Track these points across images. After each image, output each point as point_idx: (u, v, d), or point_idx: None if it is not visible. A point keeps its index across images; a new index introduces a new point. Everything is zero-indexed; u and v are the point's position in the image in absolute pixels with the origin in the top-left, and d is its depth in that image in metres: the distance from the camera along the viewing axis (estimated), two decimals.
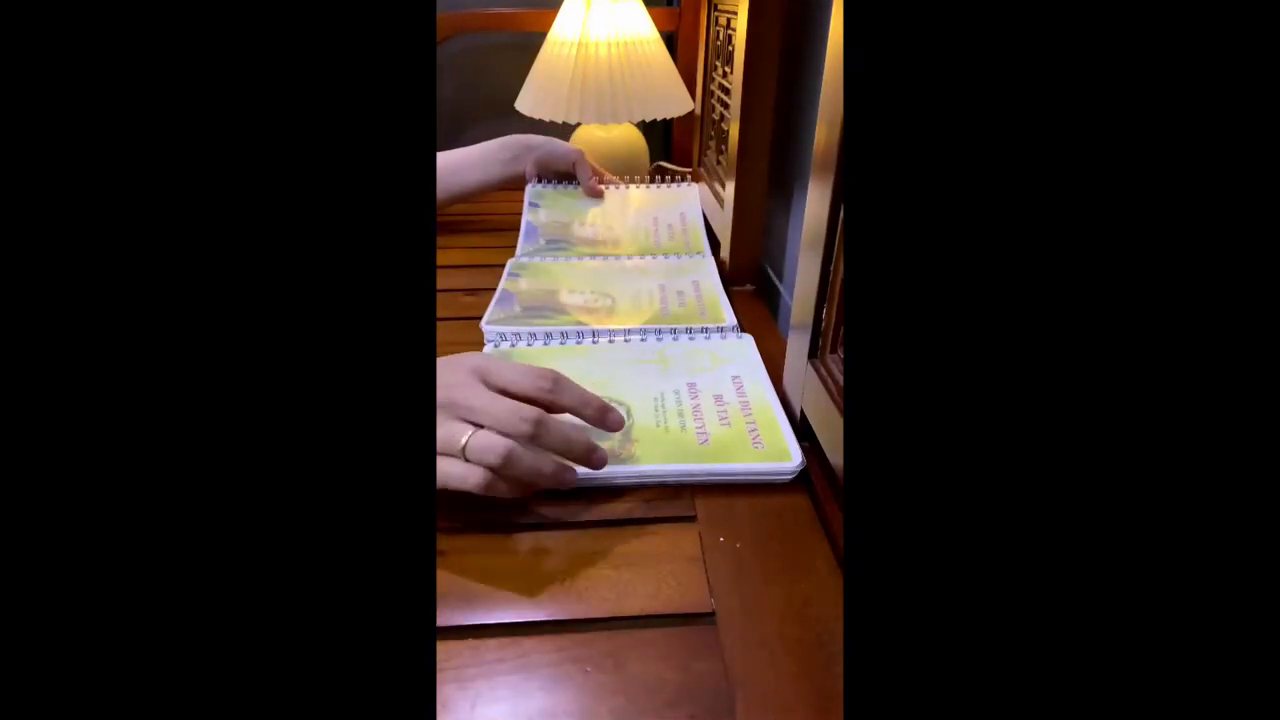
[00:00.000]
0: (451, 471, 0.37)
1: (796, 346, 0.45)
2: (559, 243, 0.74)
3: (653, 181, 0.84)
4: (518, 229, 0.80)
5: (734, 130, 0.66)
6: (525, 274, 0.69)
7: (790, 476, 0.43)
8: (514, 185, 0.83)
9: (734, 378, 0.52)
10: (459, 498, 0.42)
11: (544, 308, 0.62)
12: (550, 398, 0.40)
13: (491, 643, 0.33)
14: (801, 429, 0.45)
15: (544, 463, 0.39)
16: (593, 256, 0.72)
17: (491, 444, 0.37)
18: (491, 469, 0.37)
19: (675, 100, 0.83)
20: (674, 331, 0.59)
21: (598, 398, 0.42)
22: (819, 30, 0.66)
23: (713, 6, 0.81)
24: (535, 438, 0.38)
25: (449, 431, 0.37)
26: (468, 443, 0.37)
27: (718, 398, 0.49)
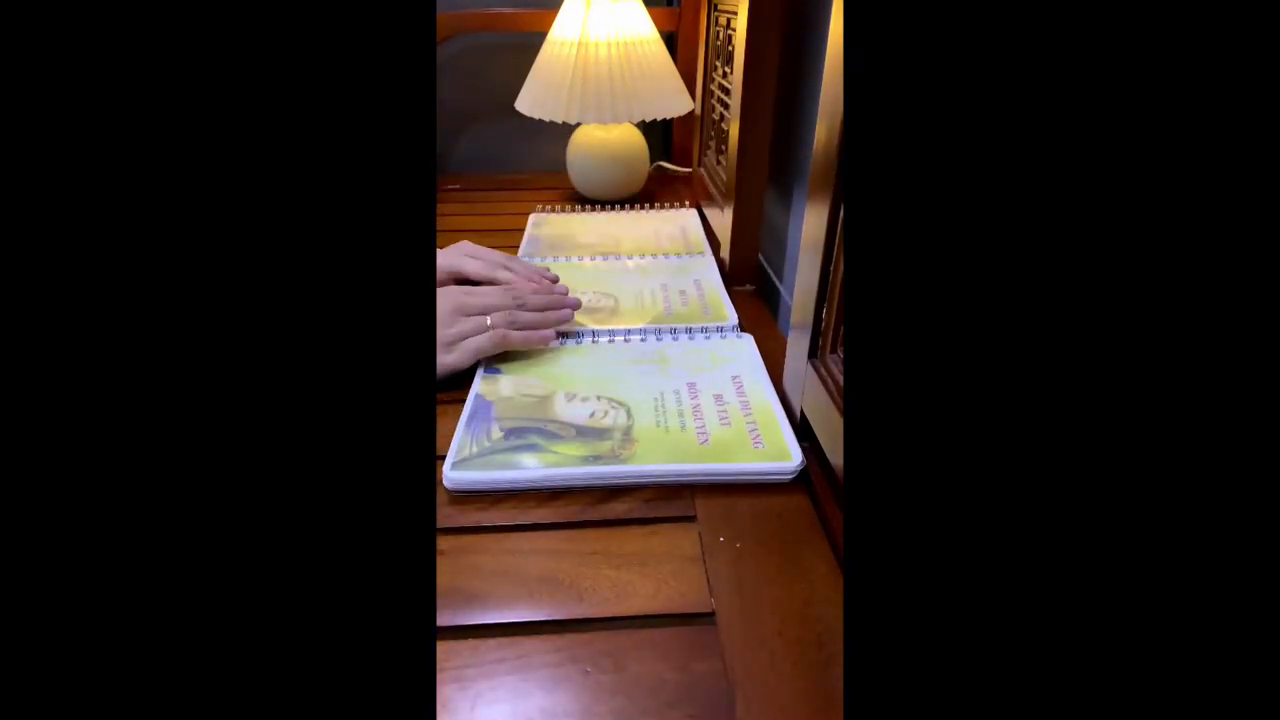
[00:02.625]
0: (481, 345, 0.53)
1: (796, 346, 0.45)
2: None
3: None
4: (518, 231, 0.80)
5: (734, 130, 0.66)
6: None
7: (790, 476, 0.43)
8: None
9: (734, 377, 0.52)
10: (459, 499, 0.42)
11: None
12: (510, 271, 0.60)
13: (491, 643, 0.33)
14: (801, 429, 0.45)
15: (538, 316, 0.56)
16: (593, 257, 0.72)
17: (502, 313, 0.54)
18: (506, 327, 0.54)
19: (675, 100, 0.83)
20: (674, 331, 0.59)
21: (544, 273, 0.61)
22: (819, 30, 0.66)
23: (713, 6, 0.81)
24: (524, 305, 0.56)
25: (475, 322, 0.54)
26: (490, 319, 0.54)
27: (718, 397, 0.49)
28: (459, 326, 0.53)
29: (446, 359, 0.52)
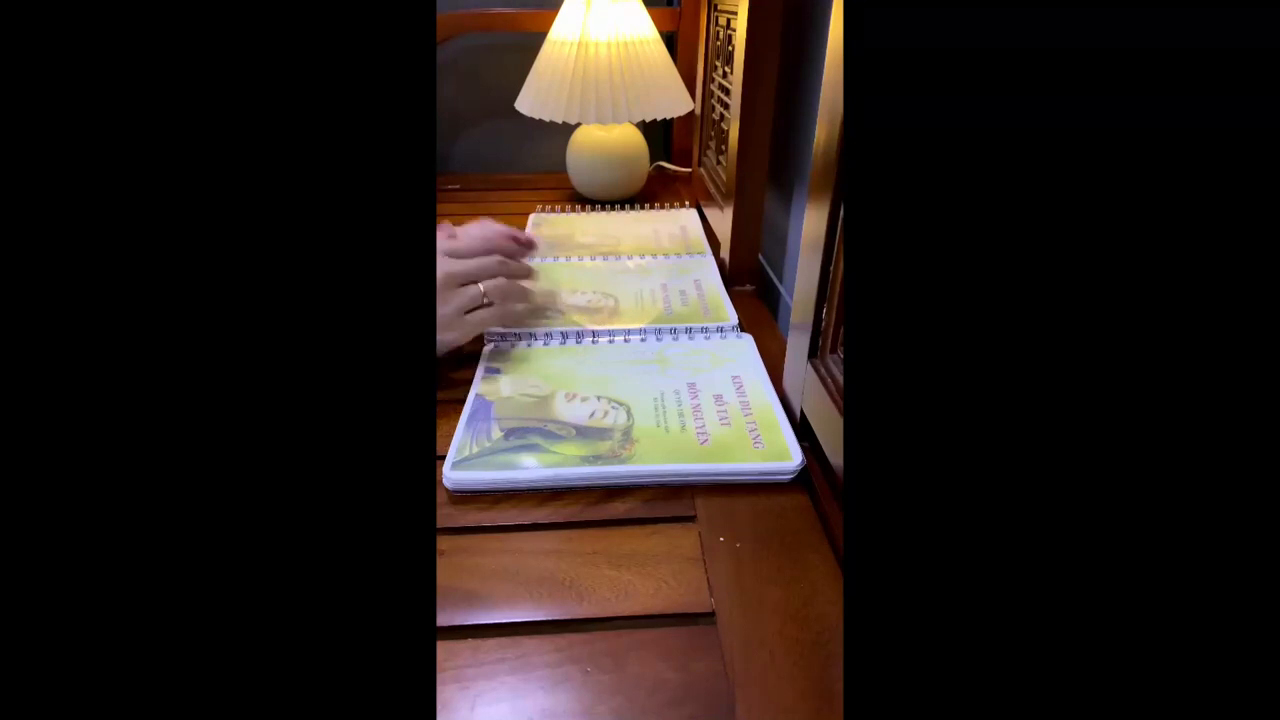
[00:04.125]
0: (484, 319, 0.52)
1: (796, 346, 0.45)
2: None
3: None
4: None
5: (734, 130, 0.66)
6: None
7: (790, 476, 0.43)
8: None
9: (734, 378, 0.52)
10: (459, 499, 0.42)
11: (546, 308, 0.62)
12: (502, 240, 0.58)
13: (491, 643, 0.33)
14: (801, 429, 0.45)
15: (522, 288, 0.56)
16: (593, 258, 0.73)
17: (497, 283, 0.54)
18: (503, 300, 0.54)
19: (675, 100, 0.83)
20: (674, 331, 0.59)
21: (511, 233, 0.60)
22: (819, 30, 0.66)
23: (713, 6, 0.81)
24: (512, 273, 0.55)
25: (470, 294, 0.52)
26: (486, 289, 0.53)
27: (718, 398, 0.49)
28: (456, 301, 0.51)
29: (447, 337, 0.51)
